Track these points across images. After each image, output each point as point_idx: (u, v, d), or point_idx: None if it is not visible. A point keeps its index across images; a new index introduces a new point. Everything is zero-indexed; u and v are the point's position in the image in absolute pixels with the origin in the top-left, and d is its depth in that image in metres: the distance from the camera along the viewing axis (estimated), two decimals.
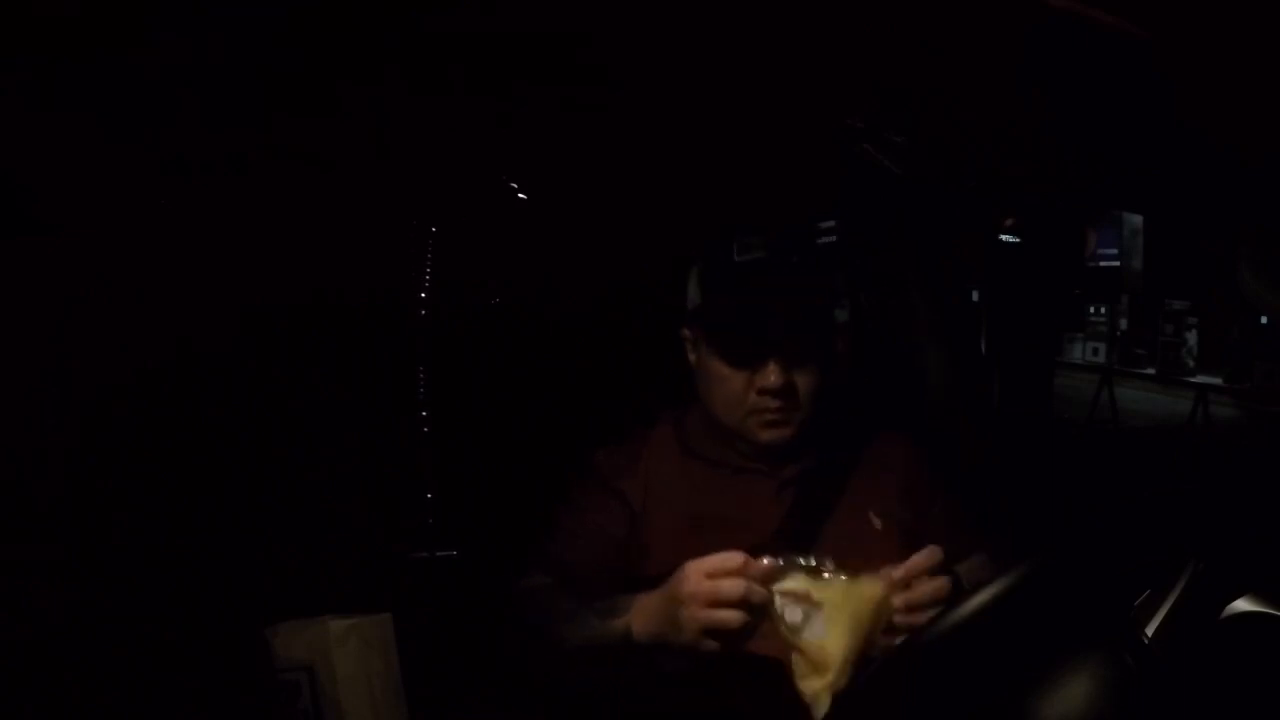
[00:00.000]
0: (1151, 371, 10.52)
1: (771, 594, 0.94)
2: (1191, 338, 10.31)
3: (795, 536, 1.20)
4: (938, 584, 0.97)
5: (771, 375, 1.18)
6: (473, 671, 1.36)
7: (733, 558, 0.96)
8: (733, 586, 0.94)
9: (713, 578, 0.95)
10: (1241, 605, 0.74)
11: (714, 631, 0.95)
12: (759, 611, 0.94)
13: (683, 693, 1.15)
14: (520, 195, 1.72)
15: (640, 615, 1.03)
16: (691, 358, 1.29)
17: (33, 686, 1.03)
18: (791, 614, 0.94)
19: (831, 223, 1.74)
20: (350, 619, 1.33)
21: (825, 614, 0.93)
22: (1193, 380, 9.39)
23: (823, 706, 0.91)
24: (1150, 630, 0.71)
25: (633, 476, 1.26)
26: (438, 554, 1.47)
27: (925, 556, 0.99)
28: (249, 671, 1.28)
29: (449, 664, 1.38)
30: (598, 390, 1.61)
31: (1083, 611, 0.74)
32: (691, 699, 1.15)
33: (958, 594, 0.96)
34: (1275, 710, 0.73)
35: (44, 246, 1.11)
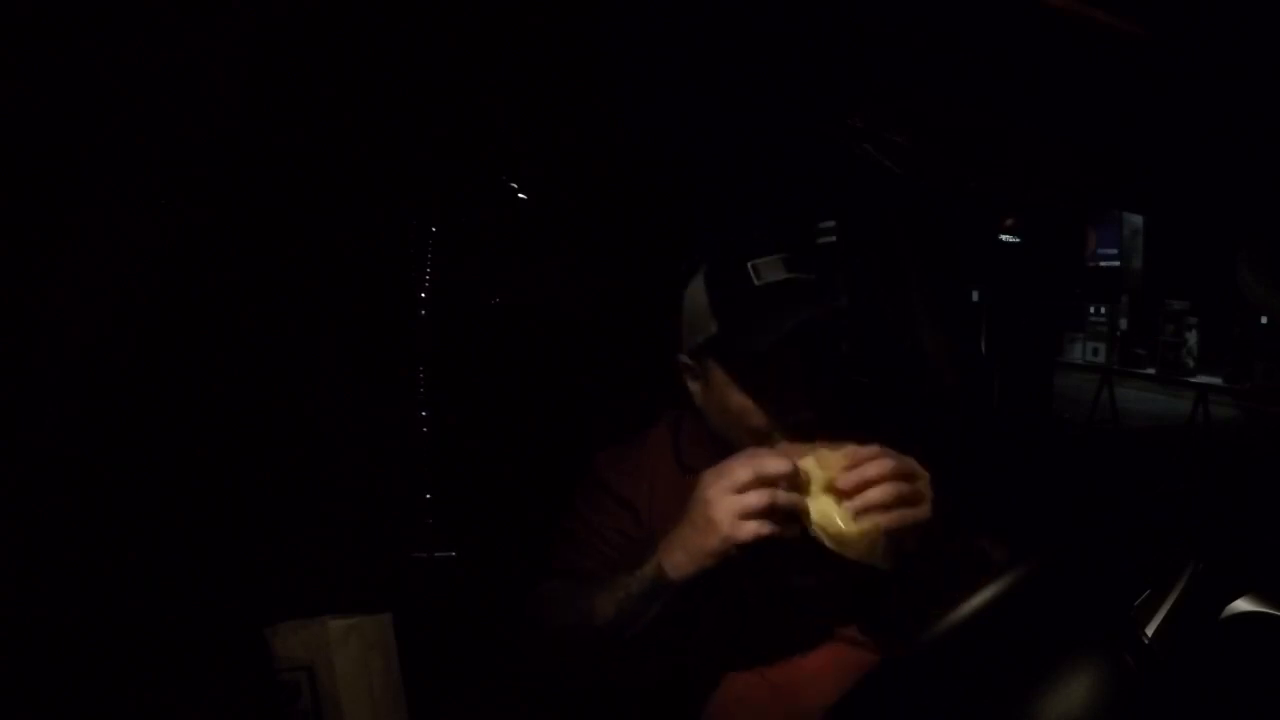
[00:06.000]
0: (1151, 371, 10.52)
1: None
2: (1192, 338, 10.31)
3: (792, 542, 1.19)
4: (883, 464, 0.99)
5: (801, 408, 1.13)
6: (473, 671, 1.36)
7: (751, 466, 0.98)
8: (759, 498, 0.97)
9: (739, 492, 0.97)
10: (1241, 605, 0.74)
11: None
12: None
13: (684, 693, 1.15)
14: (520, 195, 1.72)
15: (668, 552, 1.03)
16: (693, 386, 1.22)
17: (33, 686, 1.03)
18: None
19: (830, 228, 1.74)
20: (350, 619, 1.33)
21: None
22: (1193, 380, 9.39)
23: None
24: (1150, 630, 0.71)
25: (638, 481, 1.24)
26: (438, 554, 1.47)
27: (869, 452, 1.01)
28: (249, 671, 1.28)
29: (449, 664, 1.38)
30: (598, 390, 1.61)
31: (1083, 611, 0.74)
32: (693, 699, 1.16)
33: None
34: (1275, 710, 0.73)
35: (43, 246, 1.11)
